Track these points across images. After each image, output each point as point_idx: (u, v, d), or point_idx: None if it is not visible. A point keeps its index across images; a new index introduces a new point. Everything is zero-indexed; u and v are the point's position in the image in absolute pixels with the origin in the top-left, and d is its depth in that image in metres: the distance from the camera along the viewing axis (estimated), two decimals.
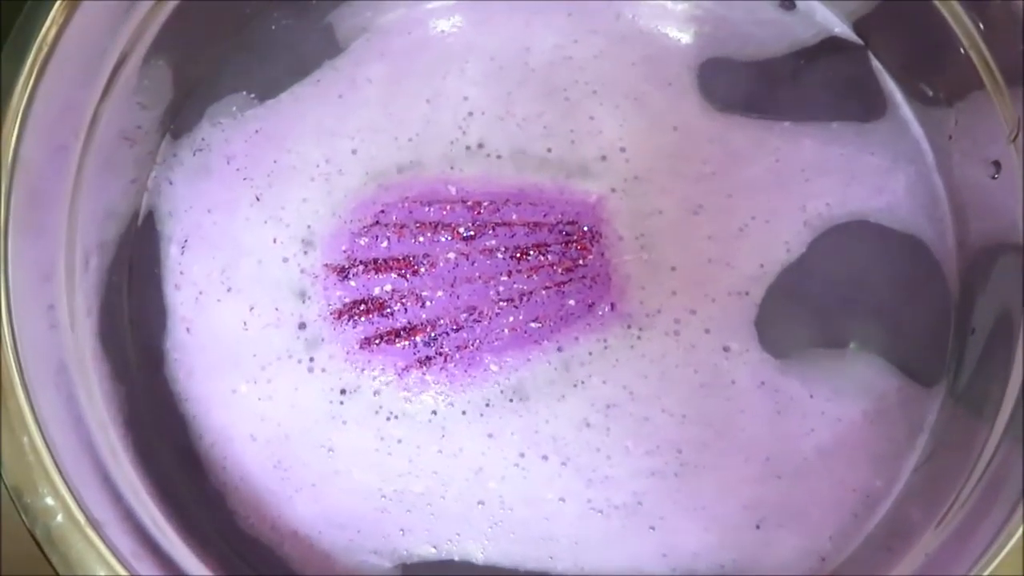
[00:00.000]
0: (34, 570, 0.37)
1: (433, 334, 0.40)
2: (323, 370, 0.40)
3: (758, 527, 0.38)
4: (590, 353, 0.39)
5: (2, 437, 0.32)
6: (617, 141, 0.41)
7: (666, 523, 0.38)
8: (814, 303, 0.39)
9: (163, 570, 0.34)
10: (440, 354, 0.40)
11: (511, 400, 0.39)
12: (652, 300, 0.40)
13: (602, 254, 0.41)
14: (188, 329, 0.40)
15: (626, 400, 0.39)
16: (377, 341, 0.40)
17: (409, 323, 0.40)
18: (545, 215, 0.41)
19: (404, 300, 0.40)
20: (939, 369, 0.39)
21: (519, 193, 0.41)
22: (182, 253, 0.41)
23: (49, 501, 0.32)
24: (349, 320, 0.40)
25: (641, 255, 0.40)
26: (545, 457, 0.39)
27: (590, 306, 0.40)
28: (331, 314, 0.40)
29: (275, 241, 0.41)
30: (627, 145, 0.41)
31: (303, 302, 0.40)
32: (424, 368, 0.40)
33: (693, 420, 0.38)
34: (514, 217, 0.41)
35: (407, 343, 0.40)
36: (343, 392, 0.39)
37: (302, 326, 0.40)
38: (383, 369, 0.40)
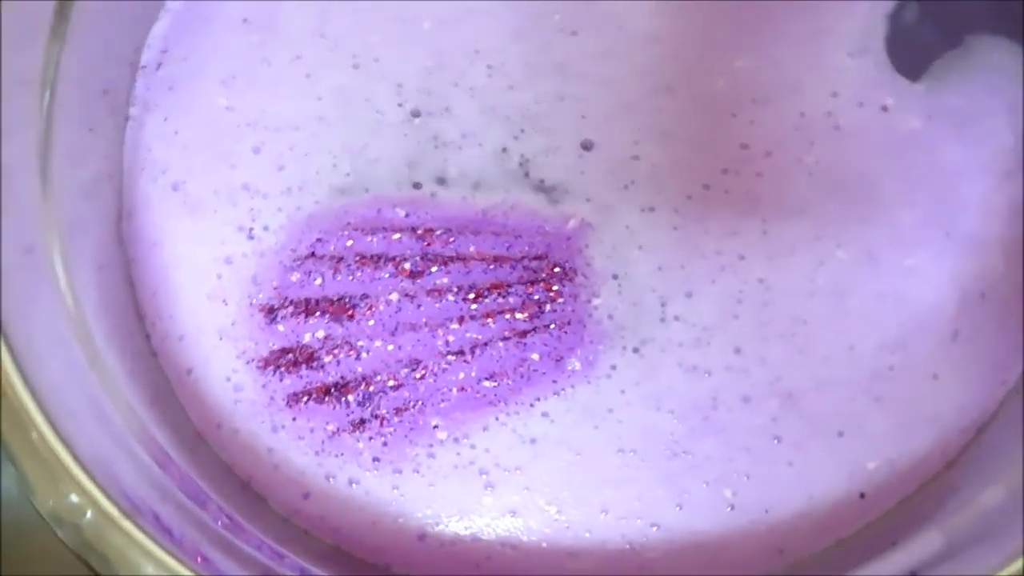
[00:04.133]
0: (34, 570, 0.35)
1: (369, 392, 0.33)
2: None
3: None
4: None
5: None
6: None
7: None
8: (925, 32, 0.35)
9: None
10: (376, 416, 0.33)
11: None
12: (781, 113, 0.34)
13: (575, 296, 0.33)
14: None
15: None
16: (305, 398, 0.34)
17: (342, 378, 0.33)
18: (509, 247, 0.33)
19: (336, 350, 0.34)
20: None
21: (481, 219, 0.34)
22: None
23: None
24: (275, 372, 0.34)
25: (739, 62, 0.34)
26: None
27: (557, 361, 0.33)
28: (256, 363, 0.34)
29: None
30: None
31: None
32: (358, 432, 0.33)
33: (910, 189, 0.34)
34: (471, 249, 0.34)
35: (338, 403, 0.33)
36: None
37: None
38: (312, 431, 0.33)
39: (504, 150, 0.35)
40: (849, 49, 0.35)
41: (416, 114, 0.35)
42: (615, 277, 0.33)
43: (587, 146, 0.34)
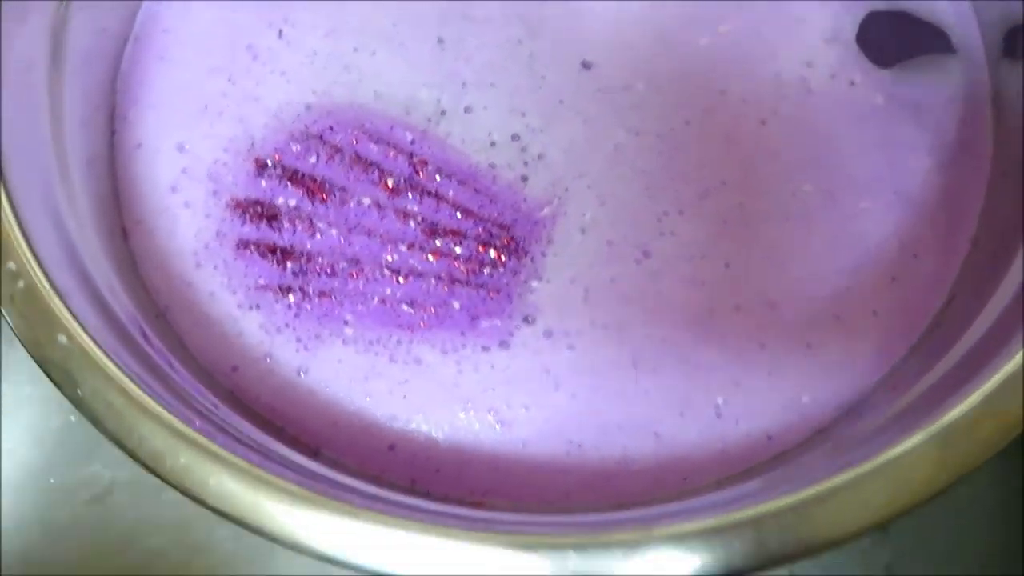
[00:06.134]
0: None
1: (306, 267, 0.36)
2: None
3: None
4: None
5: None
6: None
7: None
8: (892, 39, 0.39)
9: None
10: (301, 290, 0.36)
11: None
12: (758, 71, 0.38)
13: (515, 272, 0.36)
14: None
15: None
16: (252, 248, 0.37)
17: (291, 246, 0.36)
18: (481, 206, 0.36)
19: (298, 222, 0.36)
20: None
21: (472, 172, 0.37)
22: None
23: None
24: (242, 215, 0.37)
25: (723, 27, 0.39)
26: None
27: (473, 319, 0.35)
28: (228, 202, 0.37)
29: None
30: None
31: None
32: (280, 295, 0.36)
33: (867, 151, 0.37)
34: (450, 194, 0.36)
35: (277, 264, 0.36)
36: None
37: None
38: (244, 276, 0.36)
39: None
40: (824, 36, 0.39)
41: (440, 40, 0.39)
42: (601, 202, 0.36)
43: (587, 65, 0.38)
